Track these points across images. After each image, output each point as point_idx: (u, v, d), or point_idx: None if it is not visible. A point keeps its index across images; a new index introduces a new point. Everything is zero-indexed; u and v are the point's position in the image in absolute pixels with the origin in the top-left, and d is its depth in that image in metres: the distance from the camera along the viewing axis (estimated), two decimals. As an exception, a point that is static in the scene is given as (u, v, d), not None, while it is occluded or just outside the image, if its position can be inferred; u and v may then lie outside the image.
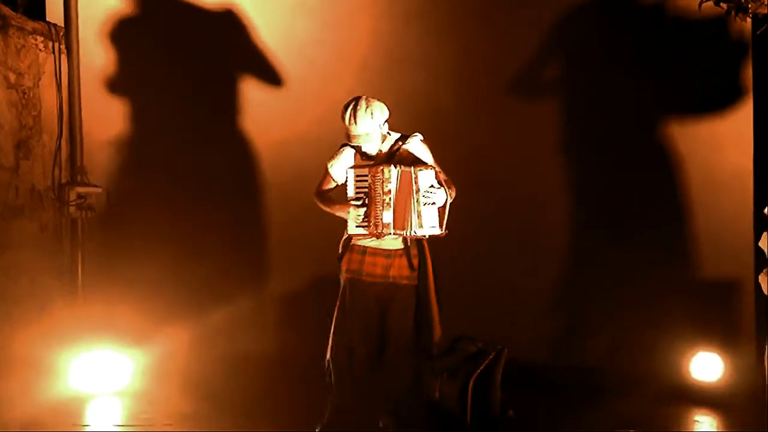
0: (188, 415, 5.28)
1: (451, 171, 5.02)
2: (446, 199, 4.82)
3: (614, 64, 6.34)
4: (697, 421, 5.32)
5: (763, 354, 5.73)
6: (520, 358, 5.54)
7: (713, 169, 6.31)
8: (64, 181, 6.29)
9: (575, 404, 5.45)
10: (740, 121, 6.25)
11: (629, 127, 6.39)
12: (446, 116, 6.37)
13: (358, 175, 4.82)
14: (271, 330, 6.44)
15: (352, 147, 4.92)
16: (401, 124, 6.28)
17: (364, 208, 4.77)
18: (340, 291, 4.94)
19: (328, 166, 4.97)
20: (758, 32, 5.54)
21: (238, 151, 6.52)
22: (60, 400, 5.49)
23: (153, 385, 5.81)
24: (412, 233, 4.77)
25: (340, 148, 4.98)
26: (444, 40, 6.44)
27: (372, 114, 4.79)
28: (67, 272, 6.31)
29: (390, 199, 4.73)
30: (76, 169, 6.33)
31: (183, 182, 6.51)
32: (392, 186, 4.74)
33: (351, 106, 4.81)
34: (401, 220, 4.75)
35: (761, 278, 4.99)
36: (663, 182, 6.36)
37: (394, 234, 4.78)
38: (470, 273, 6.31)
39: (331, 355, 4.89)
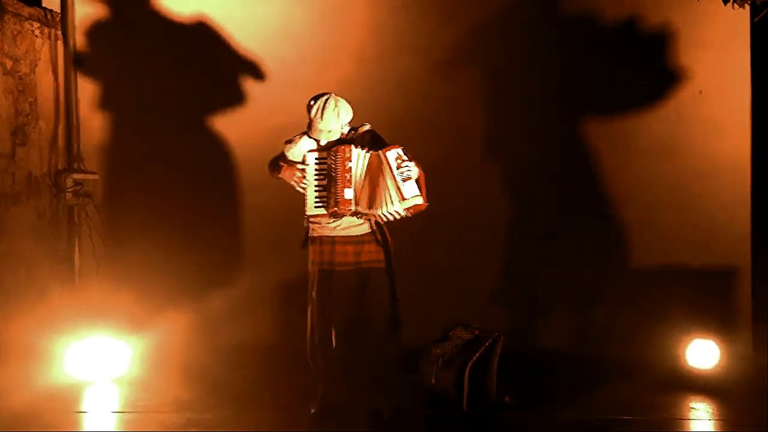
0: (185, 402, 5.27)
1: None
2: (418, 171, 4.78)
3: (608, 50, 6.34)
4: (694, 408, 5.32)
5: (760, 341, 5.76)
6: (516, 345, 5.55)
7: (711, 156, 6.32)
8: (60, 167, 6.29)
9: (572, 391, 5.45)
10: (738, 108, 6.25)
11: (625, 114, 6.39)
12: (442, 105, 6.37)
13: (318, 158, 4.86)
14: (268, 317, 6.44)
15: (310, 136, 4.95)
16: (398, 112, 6.29)
17: (324, 191, 4.79)
18: (310, 281, 4.95)
19: (285, 150, 4.99)
20: (756, 19, 5.54)
21: (235, 138, 6.51)
22: (57, 387, 5.49)
23: (150, 372, 5.81)
24: (395, 211, 4.72)
25: (298, 135, 4.99)
26: (440, 30, 6.42)
27: (338, 114, 4.86)
28: (64, 259, 6.33)
29: (350, 176, 4.73)
30: (72, 156, 6.34)
31: (180, 169, 6.51)
32: (353, 164, 4.75)
33: (320, 103, 4.85)
34: (367, 199, 4.73)
35: None
36: (660, 170, 6.36)
37: (354, 212, 4.76)
38: (464, 256, 6.36)
39: (312, 345, 4.92)
